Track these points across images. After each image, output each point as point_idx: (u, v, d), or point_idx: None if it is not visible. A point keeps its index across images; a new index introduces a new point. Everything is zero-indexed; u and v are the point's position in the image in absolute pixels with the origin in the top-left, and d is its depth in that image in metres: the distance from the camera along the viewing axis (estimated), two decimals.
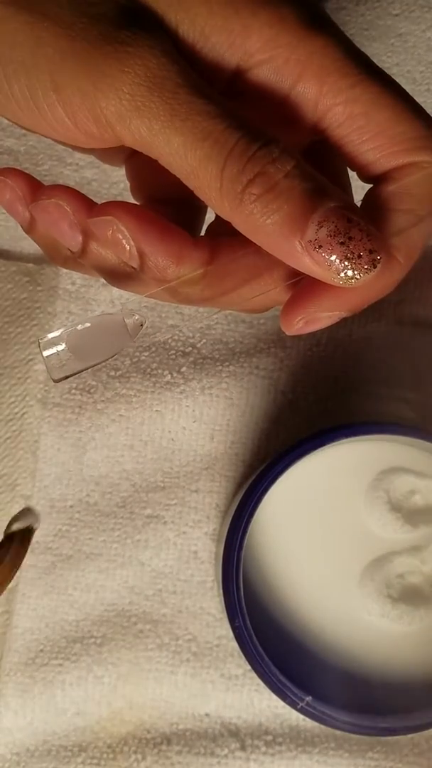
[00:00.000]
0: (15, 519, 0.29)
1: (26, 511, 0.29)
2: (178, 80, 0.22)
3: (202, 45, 0.23)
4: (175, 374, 0.39)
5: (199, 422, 0.39)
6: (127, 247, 0.24)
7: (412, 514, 0.36)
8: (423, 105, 0.25)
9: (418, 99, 0.28)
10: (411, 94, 0.25)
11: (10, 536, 0.26)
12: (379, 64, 0.25)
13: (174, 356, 0.40)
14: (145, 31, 0.22)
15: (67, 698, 0.38)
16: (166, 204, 0.26)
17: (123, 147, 0.27)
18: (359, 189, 0.26)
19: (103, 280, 0.40)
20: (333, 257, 0.22)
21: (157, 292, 0.25)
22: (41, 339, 0.25)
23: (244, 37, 0.23)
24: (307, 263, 0.22)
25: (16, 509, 0.38)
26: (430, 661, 0.35)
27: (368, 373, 0.40)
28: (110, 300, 0.40)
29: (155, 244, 0.24)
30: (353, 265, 0.22)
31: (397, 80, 0.25)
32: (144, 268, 0.24)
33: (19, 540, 0.27)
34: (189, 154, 0.22)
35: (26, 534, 0.28)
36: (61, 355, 0.25)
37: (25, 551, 0.27)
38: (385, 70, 0.25)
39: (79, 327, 0.25)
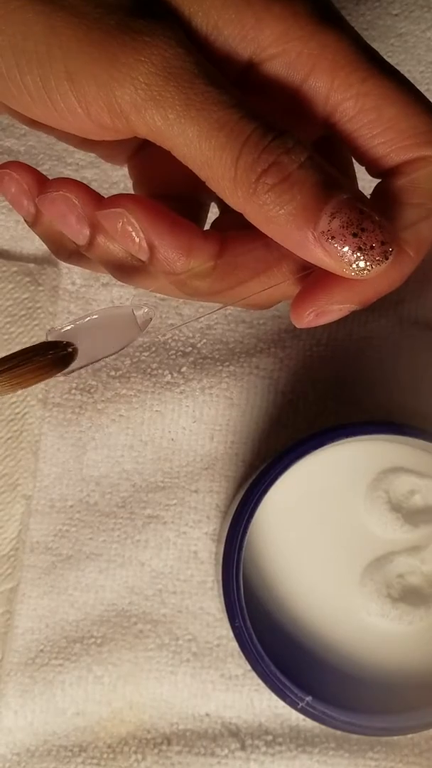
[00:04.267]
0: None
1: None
2: (194, 71, 0.22)
3: (215, 37, 0.24)
4: (175, 374, 0.39)
5: (199, 422, 0.39)
6: (137, 239, 0.24)
7: (412, 514, 0.36)
8: None
9: None
10: None
11: (46, 345, 0.25)
12: None
13: (174, 356, 0.40)
14: (160, 21, 0.22)
15: (67, 698, 0.38)
16: (170, 200, 0.26)
17: (127, 143, 0.27)
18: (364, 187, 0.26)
19: (103, 280, 0.40)
20: (345, 248, 0.22)
21: (165, 286, 0.25)
22: (49, 331, 0.25)
23: (257, 30, 0.23)
24: (319, 254, 0.22)
25: (17, 509, 0.38)
26: (430, 661, 0.35)
27: (368, 373, 0.40)
28: (110, 300, 0.40)
29: (165, 236, 0.24)
30: (365, 257, 0.22)
31: None
32: (153, 261, 0.24)
33: (53, 355, 0.24)
34: (204, 144, 0.22)
35: (64, 352, 0.25)
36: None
37: (55, 371, 0.25)
38: None
39: (88, 320, 0.25)
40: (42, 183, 0.25)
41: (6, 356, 0.24)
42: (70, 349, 0.25)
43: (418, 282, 0.40)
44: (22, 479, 0.39)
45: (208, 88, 0.22)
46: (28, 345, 0.39)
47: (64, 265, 0.39)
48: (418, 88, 0.25)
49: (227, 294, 0.26)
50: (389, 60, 0.26)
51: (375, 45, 0.41)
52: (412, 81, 0.35)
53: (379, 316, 0.40)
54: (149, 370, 0.39)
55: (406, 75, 0.27)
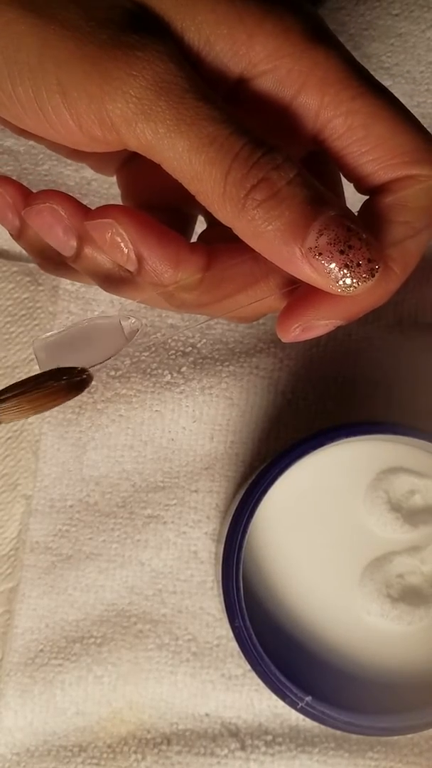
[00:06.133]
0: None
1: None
2: (185, 85, 0.22)
3: (206, 52, 0.24)
4: (175, 374, 0.39)
5: (199, 422, 0.39)
6: (125, 250, 0.24)
7: (412, 514, 0.36)
8: (423, 105, 0.25)
9: (418, 99, 0.28)
10: (411, 94, 0.25)
11: (61, 370, 0.25)
12: (379, 64, 0.25)
13: (174, 356, 0.40)
14: (152, 36, 0.23)
15: (67, 698, 0.38)
16: (158, 212, 0.27)
17: (117, 154, 0.27)
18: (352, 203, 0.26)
19: None
20: (332, 265, 0.22)
21: (152, 297, 0.26)
22: (35, 340, 0.25)
23: (248, 46, 0.23)
24: (306, 270, 0.22)
25: (17, 509, 0.39)
26: (430, 661, 0.35)
27: (368, 373, 0.40)
28: (110, 300, 0.40)
29: (154, 247, 0.24)
30: (352, 274, 0.22)
31: (396, 80, 0.25)
32: (141, 272, 0.24)
33: (68, 380, 0.25)
34: (193, 159, 0.22)
35: (79, 378, 0.25)
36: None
37: (69, 396, 0.25)
38: (385, 70, 0.25)
39: (75, 329, 0.25)
40: (26, 195, 0.26)
41: (19, 381, 0.24)
42: (84, 375, 0.25)
43: (418, 283, 0.40)
44: (22, 479, 0.39)
45: (198, 103, 0.22)
46: (28, 345, 0.39)
47: None
48: (418, 88, 0.25)
49: (214, 307, 0.26)
50: (389, 60, 0.26)
51: (375, 45, 0.41)
52: (412, 81, 0.35)
53: (379, 316, 0.40)
54: (149, 370, 0.39)
55: (406, 75, 0.28)
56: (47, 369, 0.25)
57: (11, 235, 0.27)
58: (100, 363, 0.25)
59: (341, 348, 0.40)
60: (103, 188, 0.40)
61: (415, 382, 0.40)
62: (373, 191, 0.25)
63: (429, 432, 0.34)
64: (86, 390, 0.40)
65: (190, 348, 0.40)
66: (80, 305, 0.40)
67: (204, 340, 0.40)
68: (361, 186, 0.25)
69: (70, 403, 0.40)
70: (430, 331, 0.40)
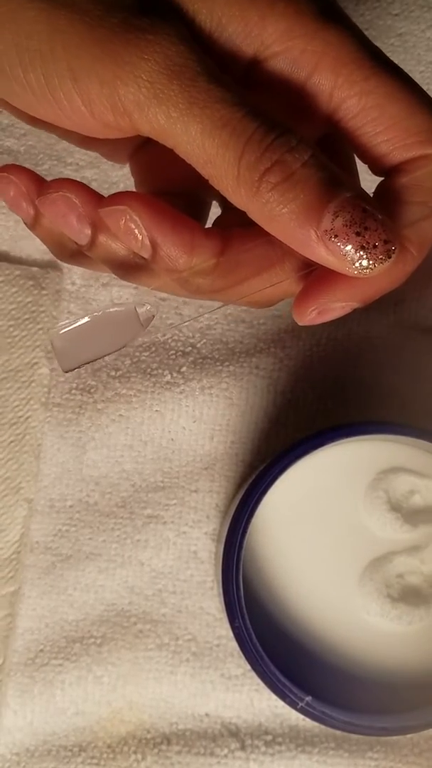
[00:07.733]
0: None
1: None
2: (197, 68, 0.22)
3: (218, 34, 0.24)
4: (175, 374, 0.39)
5: (199, 422, 0.39)
6: (140, 236, 0.24)
7: (411, 514, 0.36)
8: None
9: None
10: None
11: None
12: None
13: (174, 356, 0.40)
14: (163, 19, 0.23)
15: (66, 698, 0.38)
16: (172, 198, 0.26)
17: (129, 141, 0.27)
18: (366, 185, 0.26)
19: (103, 280, 0.40)
20: (348, 247, 0.22)
21: (167, 284, 0.25)
22: (51, 330, 0.25)
23: (260, 27, 0.23)
24: (322, 253, 0.22)
25: (19, 512, 0.38)
26: (430, 661, 0.35)
27: (368, 373, 0.40)
28: (110, 300, 0.40)
29: (168, 233, 0.24)
30: (368, 255, 0.22)
31: None
32: (156, 259, 0.24)
33: None
34: (207, 142, 0.22)
35: None
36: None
37: None
38: None
39: (91, 318, 0.25)
40: (40, 184, 0.25)
41: None
42: None
43: (418, 283, 0.40)
44: (24, 482, 0.39)
45: (210, 85, 0.22)
46: (31, 348, 0.40)
47: (63, 266, 0.39)
48: None
49: (229, 292, 0.26)
50: None
51: (375, 45, 0.41)
52: None
53: (379, 316, 0.40)
54: (149, 370, 0.39)
55: None
56: (64, 359, 0.25)
57: (25, 223, 0.27)
58: (117, 350, 0.25)
59: (341, 348, 0.40)
60: (103, 188, 0.40)
61: (415, 382, 0.40)
62: (387, 172, 0.25)
63: (429, 432, 0.34)
64: (86, 390, 0.40)
65: (190, 348, 0.40)
66: (80, 305, 0.40)
67: (204, 340, 0.40)
68: (375, 167, 0.25)
69: (70, 403, 0.40)
70: (430, 331, 0.40)
